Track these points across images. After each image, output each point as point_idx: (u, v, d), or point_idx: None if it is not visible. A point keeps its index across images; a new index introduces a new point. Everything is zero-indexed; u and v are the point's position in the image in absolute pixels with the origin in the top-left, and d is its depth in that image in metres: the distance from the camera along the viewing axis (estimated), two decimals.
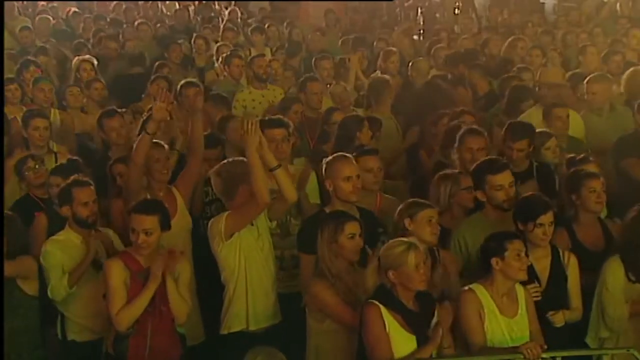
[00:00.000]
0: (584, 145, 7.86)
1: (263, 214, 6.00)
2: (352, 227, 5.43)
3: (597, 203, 6.09)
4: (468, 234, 5.89)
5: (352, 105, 9.19)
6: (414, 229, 5.53)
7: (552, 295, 5.67)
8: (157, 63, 10.67)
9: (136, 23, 14.10)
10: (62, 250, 5.95)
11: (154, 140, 6.61)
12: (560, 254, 5.78)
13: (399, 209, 5.73)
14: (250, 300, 5.91)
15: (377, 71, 10.45)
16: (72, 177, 6.18)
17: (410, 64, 10.45)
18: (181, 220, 6.52)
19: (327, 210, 5.99)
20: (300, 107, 8.57)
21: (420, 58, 10.75)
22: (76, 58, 11.04)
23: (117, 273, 5.44)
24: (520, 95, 8.60)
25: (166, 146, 6.65)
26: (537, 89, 8.92)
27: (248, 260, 5.90)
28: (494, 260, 5.29)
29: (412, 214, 5.59)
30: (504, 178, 6.01)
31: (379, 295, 5.00)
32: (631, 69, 9.30)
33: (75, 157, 7.24)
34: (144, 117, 7.65)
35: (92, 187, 6.10)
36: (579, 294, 5.75)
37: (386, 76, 8.38)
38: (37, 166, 6.91)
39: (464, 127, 7.04)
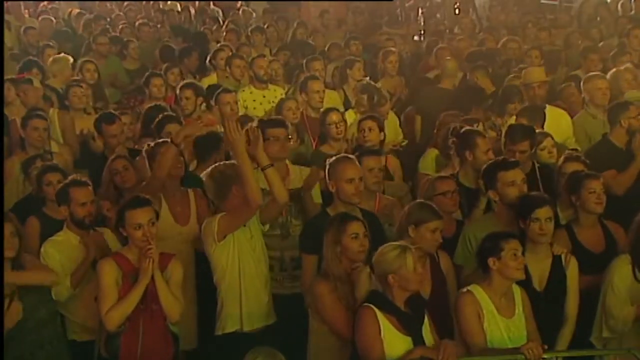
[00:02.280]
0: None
1: (255, 216, 5.97)
2: (354, 227, 5.42)
3: (596, 204, 6.10)
4: (478, 233, 5.86)
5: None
6: (416, 236, 5.55)
7: (552, 296, 5.69)
8: (165, 65, 10.68)
9: (137, 24, 14.11)
10: (60, 251, 5.96)
11: (163, 139, 6.69)
12: (562, 256, 5.78)
13: (405, 210, 5.74)
14: (243, 301, 5.89)
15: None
16: (70, 177, 6.21)
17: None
18: (190, 229, 6.51)
19: (330, 211, 6.00)
20: (294, 103, 8.57)
21: (448, 58, 10.72)
22: (53, 57, 11.06)
23: (109, 272, 5.43)
24: (508, 96, 8.61)
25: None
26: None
27: (241, 261, 5.87)
28: (490, 261, 5.29)
29: (417, 222, 5.60)
30: (516, 174, 6.06)
31: (373, 298, 5.00)
32: (613, 69, 9.28)
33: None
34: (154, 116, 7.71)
35: (90, 188, 6.11)
36: (577, 296, 5.75)
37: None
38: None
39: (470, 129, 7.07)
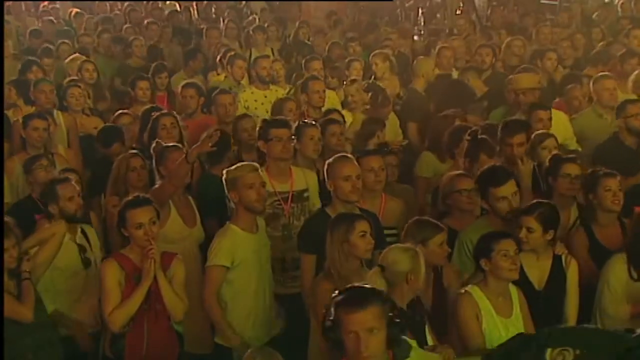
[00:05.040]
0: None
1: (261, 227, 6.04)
2: (362, 226, 5.41)
3: (613, 202, 6.10)
4: (474, 237, 5.84)
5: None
6: (425, 253, 5.39)
7: (551, 296, 5.69)
8: (154, 64, 10.70)
9: (145, 22, 14.14)
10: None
11: (174, 144, 6.79)
12: (563, 257, 5.79)
13: (406, 228, 5.69)
14: (255, 322, 5.89)
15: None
16: (51, 177, 6.33)
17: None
18: (197, 231, 6.60)
19: (329, 211, 6.01)
20: (294, 104, 8.59)
21: (421, 57, 10.75)
22: (71, 57, 11.10)
23: (111, 273, 5.44)
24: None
25: (185, 149, 6.64)
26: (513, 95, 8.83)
27: (252, 281, 5.87)
28: (482, 262, 5.32)
29: (423, 241, 5.54)
30: (508, 189, 5.98)
31: None
32: (637, 71, 9.26)
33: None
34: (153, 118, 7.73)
35: (73, 183, 6.22)
36: (577, 297, 5.75)
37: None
38: (48, 166, 6.93)
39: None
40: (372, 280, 4.95)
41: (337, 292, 4.00)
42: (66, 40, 12.44)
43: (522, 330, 5.30)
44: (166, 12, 16.28)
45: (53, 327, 5.76)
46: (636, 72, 9.19)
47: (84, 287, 6.10)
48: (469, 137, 7.00)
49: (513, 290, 5.41)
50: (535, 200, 5.90)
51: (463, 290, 5.34)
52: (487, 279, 5.32)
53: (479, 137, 6.98)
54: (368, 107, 8.98)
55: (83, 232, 6.27)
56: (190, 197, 6.73)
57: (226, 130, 7.62)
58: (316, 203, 6.72)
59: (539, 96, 8.64)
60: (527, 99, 8.46)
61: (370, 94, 9.00)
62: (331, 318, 3.91)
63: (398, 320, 3.94)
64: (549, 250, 5.77)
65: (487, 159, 6.80)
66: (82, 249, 6.17)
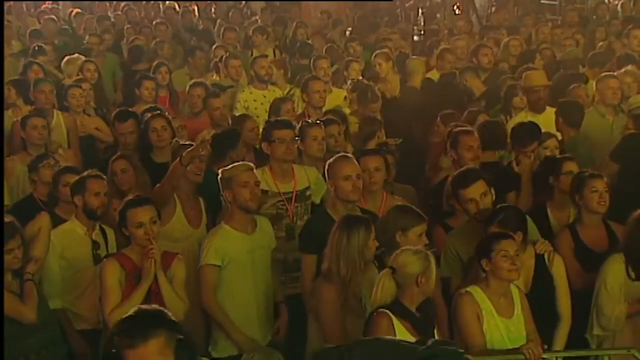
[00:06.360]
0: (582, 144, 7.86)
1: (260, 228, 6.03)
2: (374, 228, 5.42)
3: (599, 204, 6.10)
4: (457, 241, 5.91)
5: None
6: (404, 242, 5.49)
7: (539, 296, 5.67)
8: (155, 62, 10.68)
9: (154, 22, 14.14)
10: (60, 242, 6.04)
11: (190, 142, 6.76)
12: (545, 256, 5.78)
13: (387, 213, 5.71)
14: (256, 327, 5.88)
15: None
16: (86, 172, 6.33)
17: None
18: (201, 232, 6.55)
19: (329, 211, 6.01)
20: (291, 105, 8.58)
21: (414, 57, 10.76)
22: (67, 57, 11.08)
23: (112, 272, 5.44)
24: (512, 92, 8.75)
25: None
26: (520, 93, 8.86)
27: (244, 282, 5.88)
28: (483, 262, 5.31)
29: (404, 228, 5.57)
30: (475, 190, 5.94)
31: (387, 303, 4.93)
32: (614, 73, 9.28)
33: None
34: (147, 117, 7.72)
35: (104, 181, 6.26)
36: (567, 294, 5.76)
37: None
38: (54, 165, 6.93)
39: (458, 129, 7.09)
40: (382, 282, 4.96)
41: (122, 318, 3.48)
42: (41, 44, 12.37)
43: (523, 331, 5.32)
44: (163, 11, 16.29)
45: (57, 327, 5.76)
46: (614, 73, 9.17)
47: (89, 284, 6.10)
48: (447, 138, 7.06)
49: (514, 290, 5.41)
50: (498, 206, 5.88)
51: (464, 291, 5.33)
52: (488, 279, 5.31)
53: (456, 130, 7.01)
54: (356, 107, 8.98)
55: (103, 231, 6.29)
56: (200, 199, 6.68)
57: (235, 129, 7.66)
58: (317, 198, 6.73)
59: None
60: (538, 97, 8.50)
61: (356, 93, 9.00)
62: (114, 350, 3.37)
63: (186, 346, 3.42)
64: (530, 251, 5.77)
65: (467, 152, 6.81)
66: (96, 245, 6.19)
